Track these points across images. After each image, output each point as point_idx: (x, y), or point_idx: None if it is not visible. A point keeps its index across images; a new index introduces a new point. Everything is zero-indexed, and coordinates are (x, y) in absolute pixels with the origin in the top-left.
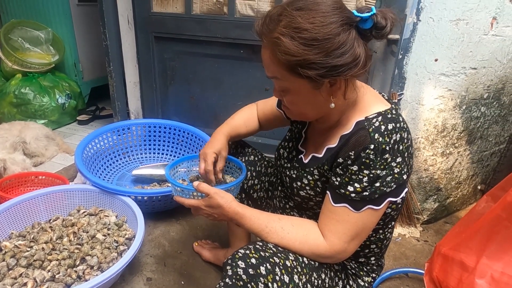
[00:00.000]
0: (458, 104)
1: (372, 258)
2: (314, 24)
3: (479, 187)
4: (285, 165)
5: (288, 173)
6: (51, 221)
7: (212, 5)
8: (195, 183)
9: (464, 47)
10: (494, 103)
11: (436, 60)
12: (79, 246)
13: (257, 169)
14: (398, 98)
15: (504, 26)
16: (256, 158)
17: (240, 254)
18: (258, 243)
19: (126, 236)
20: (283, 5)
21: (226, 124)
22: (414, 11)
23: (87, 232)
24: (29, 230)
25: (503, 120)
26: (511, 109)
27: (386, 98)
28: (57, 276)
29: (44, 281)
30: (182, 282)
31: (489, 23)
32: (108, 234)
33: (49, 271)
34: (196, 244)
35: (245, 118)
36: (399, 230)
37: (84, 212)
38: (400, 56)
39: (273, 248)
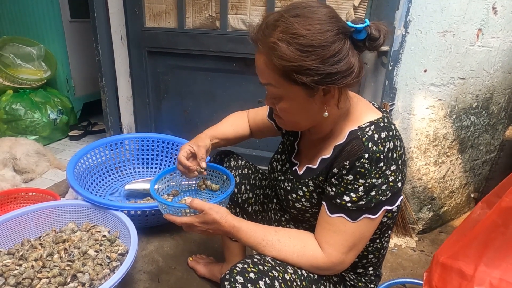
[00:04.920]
0: (448, 114)
1: (370, 268)
2: (311, 31)
3: (472, 195)
4: (279, 177)
5: (282, 185)
6: (41, 237)
7: (205, 19)
8: (188, 200)
9: (452, 58)
10: (483, 112)
11: (425, 71)
12: (70, 263)
13: (251, 182)
14: (390, 109)
15: (489, 38)
16: (250, 171)
17: (238, 269)
18: (255, 256)
19: (119, 251)
20: (280, 12)
21: (212, 127)
22: (402, 24)
23: (79, 248)
24: (18, 248)
25: (492, 129)
26: (499, 118)
27: (377, 107)
28: None
29: None
30: None
31: (475, 34)
32: (100, 250)
33: None
34: (191, 259)
35: (231, 121)
36: (395, 240)
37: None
38: (390, 68)
39: (271, 262)
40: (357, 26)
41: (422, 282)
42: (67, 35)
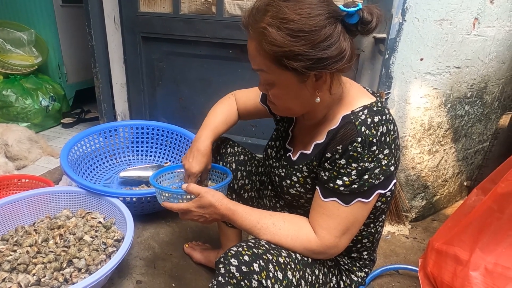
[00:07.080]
0: (443, 103)
1: (365, 253)
2: (301, 16)
3: (465, 183)
4: (274, 164)
5: (277, 172)
6: (36, 224)
7: (200, 4)
8: (184, 185)
9: (448, 46)
10: (477, 101)
11: (421, 59)
12: (66, 249)
13: (247, 168)
14: (386, 97)
15: (485, 27)
16: (246, 158)
17: (233, 252)
18: (250, 240)
19: (115, 238)
20: None
21: (207, 126)
22: (399, 11)
23: (74, 234)
24: (12, 234)
25: (486, 119)
26: (493, 107)
27: (371, 92)
28: (42, 280)
29: (29, 285)
30: (173, 285)
31: (471, 23)
32: (96, 236)
33: (34, 274)
34: (187, 245)
35: (225, 115)
36: (388, 228)
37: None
38: (387, 56)
39: (265, 245)
40: (349, 9)
41: (415, 268)
42: (58, 20)
